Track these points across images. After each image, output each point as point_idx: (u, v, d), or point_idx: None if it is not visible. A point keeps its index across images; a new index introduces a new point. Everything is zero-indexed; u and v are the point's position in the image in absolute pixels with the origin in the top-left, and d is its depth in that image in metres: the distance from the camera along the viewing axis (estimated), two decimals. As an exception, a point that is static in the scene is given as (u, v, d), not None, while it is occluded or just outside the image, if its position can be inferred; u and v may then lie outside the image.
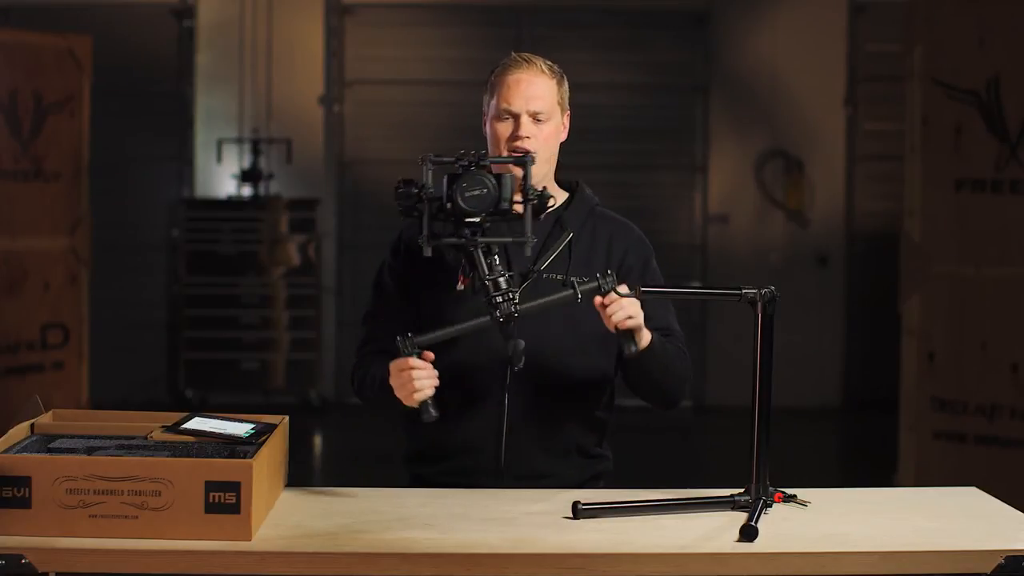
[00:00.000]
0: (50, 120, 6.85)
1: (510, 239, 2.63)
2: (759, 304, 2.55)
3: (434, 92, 9.38)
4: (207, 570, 2.23)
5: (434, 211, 2.59)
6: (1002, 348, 5.72)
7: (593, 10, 9.62)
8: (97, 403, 7.07)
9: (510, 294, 2.54)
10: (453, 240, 2.57)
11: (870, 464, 7.64)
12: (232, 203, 9.14)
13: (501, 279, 2.55)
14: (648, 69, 9.60)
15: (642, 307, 2.63)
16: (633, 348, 2.60)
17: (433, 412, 2.58)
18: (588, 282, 2.57)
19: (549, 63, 2.84)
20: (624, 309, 2.57)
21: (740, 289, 2.57)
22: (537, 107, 2.78)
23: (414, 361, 2.58)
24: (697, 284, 9.12)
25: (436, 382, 2.60)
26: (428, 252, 2.58)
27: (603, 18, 9.61)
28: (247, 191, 9.16)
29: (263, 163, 9.21)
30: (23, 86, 6.73)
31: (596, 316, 2.72)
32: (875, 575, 2.29)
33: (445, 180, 2.59)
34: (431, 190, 2.57)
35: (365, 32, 9.60)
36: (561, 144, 2.88)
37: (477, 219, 2.55)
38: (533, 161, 2.64)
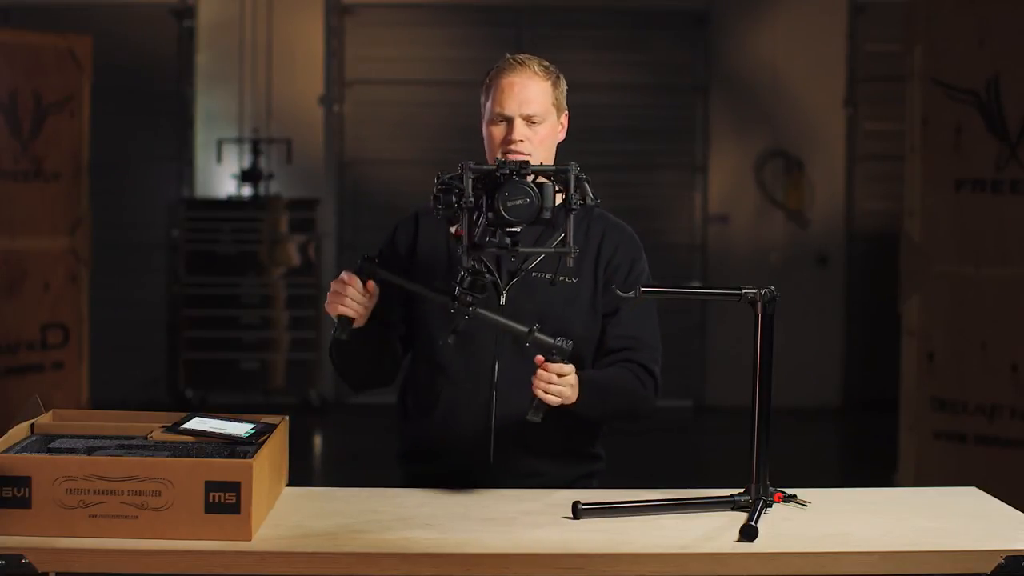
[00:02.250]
0: (50, 120, 6.85)
1: (552, 250, 2.64)
2: (759, 304, 2.55)
3: (434, 92, 9.38)
4: (207, 570, 2.23)
5: (473, 218, 2.55)
6: (1002, 348, 5.72)
7: (593, 10, 9.62)
8: (97, 403, 7.07)
9: (471, 297, 2.56)
10: (495, 250, 2.54)
11: (870, 464, 7.63)
12: (232, 203, 9.14)
13: (478, 280, 2.57)
14: (648, 69, 9.60)
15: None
16: (537, 415, 2.61)
17: (344, 334, 2.66)
18: (547, 338, 2.60)
19: (544, 64, 2.83)
20: (553, 385, 2.60)
21: (740, 289, 2.57)
22: (531, 110, 2.77)
23: (355, 282, 2.65)
24: (697, 284, 9.12)
25: (361, 310, 2.66)
26: (468, 263, 2.56)
27: (603, 18, 9.60)
28: (247, 191, 9.16)
29: (263, 163, 9.20)
30: (23, 86, 6.72)
31: (587, 316, 2.73)
32: (875, 575, 2.29)
33: (484, 188, 2.54)
34: (471, 199, 2.53)
35: (365, 32, 9.60)
36: (561, 144, 2.87)
37: (518, 228, 2.53)
38: (577, 168, 2.59)
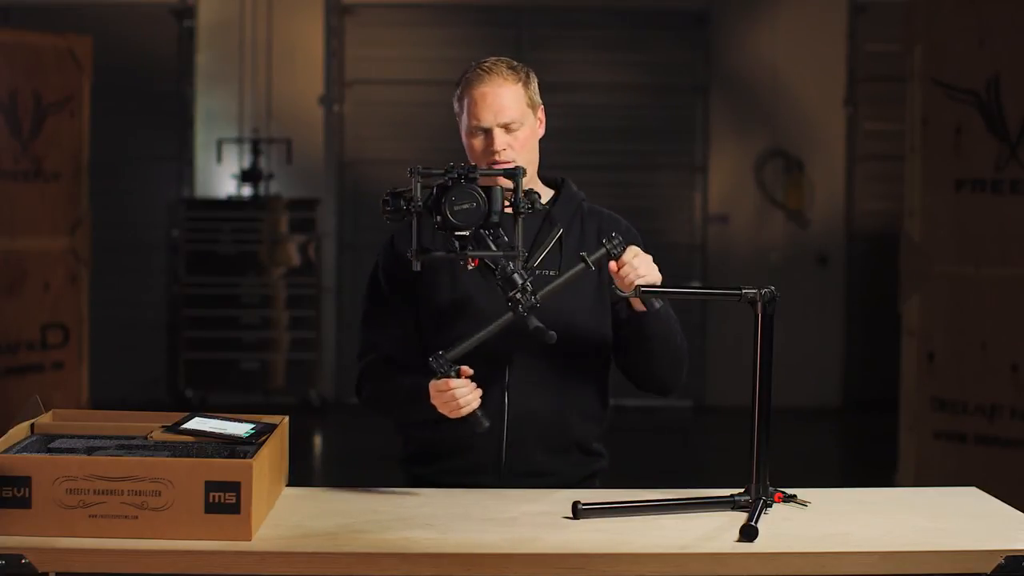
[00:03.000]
0: (50, 120, 6.85)
1: (500, 253, 2.61)
2: (759, 304, 2.55)
3: (434, 92, 9.37)
4: (207, 570, 2.23)
5: (421, 223, 2.59)
6: (1002, 348, 5.72)
7: (593, 10, 9.62)
8: (97, 403, 7.07)
9: (527, 287, 2.55)
10: (442, 255, 2.59)
11: (870, 464, 7.64)
12: (232, 203, 9.14)
13: (515, 275, 2.55)
14: (648, 69, 9.60)
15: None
16: (657, 302, 2.63)
17: (485, 422, 2.62)
18: (597, 251, 2.59)
19: (512, 65, 2.81)
20: (637, 269, 2.60)
21: (740, 289, 2.57)
22: (507, 118, 2.76)
23: (454, 382, 2.62)
24: (697, 284, 9.12)
25: (479, 393, 2.64)
26: (417, 267, 2.59)
27: (603, 18, 9.60)
28: (247, 191, 9.16)
29: (263, 163, 9.21)
30: (23, 86, 6.72)
31: (593, 309, 2.73)
32: (875, 575, 2.29)
33: (434, 191, 2.58)
34: (419, 204, 2.56)
35: (365, 32, 9.60)
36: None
37: (466, 232, 2.55)
38: (524, 173, 2.62)
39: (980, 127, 5.77)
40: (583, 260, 2.58)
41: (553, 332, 2.56)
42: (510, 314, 2.56)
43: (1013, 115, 5.69)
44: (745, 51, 9.49)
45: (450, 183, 2.55)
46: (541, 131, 2.86)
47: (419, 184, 2.57)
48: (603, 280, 2.82)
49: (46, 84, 6.81)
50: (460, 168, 2.56)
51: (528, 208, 2.59)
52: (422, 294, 2.81)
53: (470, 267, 2.64)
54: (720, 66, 9.54)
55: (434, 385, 2.64)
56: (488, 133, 2.76)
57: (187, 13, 9.44)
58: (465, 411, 2.62)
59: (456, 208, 2.54)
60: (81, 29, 7.39)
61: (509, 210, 2.61)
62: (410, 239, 2.61)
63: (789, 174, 9.54)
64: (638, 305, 2.68)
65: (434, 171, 2.58)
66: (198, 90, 9.41)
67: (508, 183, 2.62)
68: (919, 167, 5.99)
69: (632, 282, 2.59)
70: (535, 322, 2.56)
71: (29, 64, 6.77)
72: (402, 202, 2.57)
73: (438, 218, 2.55)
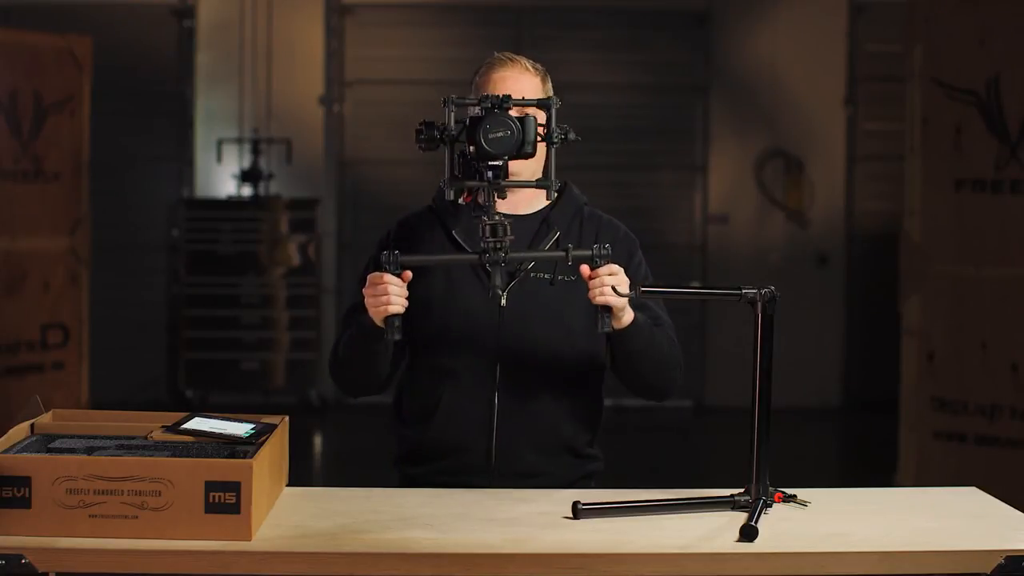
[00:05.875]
0: (50, 120, 6.85)
1: (534, 183, 2.61)
2: (759, 304, 2.55)
3: (434, 92, 9.31)
4: (207, 570, 2.22)
5: (456, 154, 2.54)
6: (1002, 348, 5.72)
7: (593, 10, 9.62)
8: (97, 403, 7.07)
9: (501, 242, 2.51)
10: (476, 184, 2.52)
11: (870, 464, 7.64)
12: (232, 203, 9.14)
13: (500, 227, 2.51)
14: (648, 69, 9.60)
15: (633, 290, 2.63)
16: (606, 326, 2.61)
17: (397, 334, 2.60)
18: (584, 251, 2.59)
19: (533, 62, 2.84)
20: (606, 285, 2.58)
21: (740, 289, 2.57)
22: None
23: (389, 277, 2.59)
24: (697, 284, 9.12)
25: (406, 303, 2.61)
26: (451, 196, 2.55)
27: (603, 18, 9.60)
28: (247, 191, 9.16)
29: (263, 163, 9.21)
30: (23, 86, 6.72)
31: (585, 311, 2.73)
32: (875, 575, 2.29)
33: (467, 122, 2.54)
34: (453, 131, 2.52)
35: (365, 32, 9.60)
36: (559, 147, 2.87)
37: (500, 162, 2.50)
38: (559, 103, 2.59)
39: (980, 127, 5.77)
40: (566, 250, 2.58)
41: (501, 294, 2.59)
42: (476, 256, 2.54)
43: (1013, 115, 5.69)
44: (745, 51, 9.49)
45: (483, 113, 2.52)
46: None
47: (452, 113, 2.53)
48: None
49: (46, 84, 6.81)
50: (494, 97, 2.54)
51: (561, 138, 2.55)
52: (413, 288, 2.81)
53: (462, 201, 2.60)
54: (720, 66, 9.54)
55: (372, 276, 2.62)
56: None
57: (187, 13, 9.44)
58: (389, 309, 2.58)
59: (491, 136, 2.49)
60: (81, 29, 7.39)
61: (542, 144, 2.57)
62: (414, 222, 2.58)
63: (789, 174, 9.54)
64: (616, 324, 2.66)
65: (468, 100, 2.56)
66: (198, 90, 9.41)
67: (542, 115, 2.59)
68: (919, 167, 5.99)
69: (596, 295, 2.58)
70: (497, 280, 2.56)
71: (29, 64, 6.77)
72: (436, 131, 2.54)
73: (471, 148, 2.50)
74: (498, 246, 2.51)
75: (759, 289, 2.55)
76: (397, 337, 2.61)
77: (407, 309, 2.72)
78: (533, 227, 2.83)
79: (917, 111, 6.00)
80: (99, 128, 7.39)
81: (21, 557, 2.20)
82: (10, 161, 6.66)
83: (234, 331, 8.99)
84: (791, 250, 9.55)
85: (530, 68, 2.82)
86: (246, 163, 9.22)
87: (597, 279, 2.58)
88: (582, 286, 2.78)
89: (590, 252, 2.58)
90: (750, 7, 9.48)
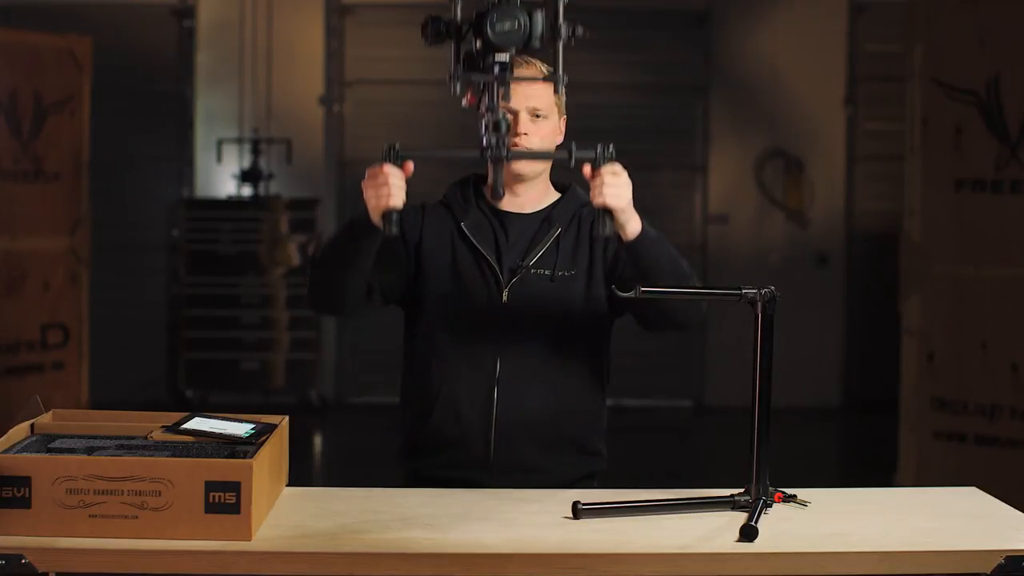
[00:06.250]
0: (50, 120, 6.85)
1: (540, 78, 2.60)
2: (759, 304, 2.55)
3: (434, 92, 9.32)
4: (207, 570, 2.22)
5: (460, 47, 2.46)
6: (1002, 348, 5.72)
7: (593, 10, 9.60)
8: (97, 403, 7.07)
9: (502, 139, 2.44)
10: (481, 76, 2.44)
11: (870, 464, 7.64)
12: (232, 203, 9.14)
13: (502, 122, 2.45)
14: (648, 69, 9.60)
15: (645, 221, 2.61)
16: (607, 229, 2.54)
17: (395, 229, 2.55)
18: (587, 151, 2.53)
19: (548, 66, 2.85)
20: (609, 186, 2.54)
21: (740, 289, 2.57)
22: (536, 104, 2.79)
23: (390, 167, 2.56)
24: (697, 284, 9.11)
25: (404, 197, 2.57)
26: (455, 90, 2.46)
27: (603, 18, 9.59)
28: (247, 191, 9.16)
29: (263, 163, 9.21)
30: (23, 86, 6.72)
31: (589, 303, 2.73)
32: (875, 575, 2.29)
33: (475, 15, 2.44)
34: (459, 22, 2.44)
35: (365, 32, 9.60)
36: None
37: (507, 55, 2.42)
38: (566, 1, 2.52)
39: (980, 127, 5.77)
40: (569, 151, 2.53)
41: (501, 193, 2.54)
42: (477, 153, 2.48)
43: (1013, 115, 5.69)
44: (745, 51, 9.49)
45: (490, 5, 2.42)
46: (560, 138, 2.87)
47: (459, 4, 2.45)
48: (594, 275, 2.83)
49: (46, 84, 6.81)
50: None
51: (571, 35, 2.49)
52: (421, 277, 2.82)
53: (465, 104, 2.55)
54: (720, 66, 9.54)
55: (371, 169, 2.59)
56: (515, 116, 2.76)
57: (187, 13, 9.44)
58: (389, 201, 2.55)
59: (498, 28, 2.40)
60: (81, 29, 7.39)
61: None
62: (423, 222, 2.59)
63: (789, 174, 9.54)
64: (624, 235, 2.61)
65: None
66: (198, 90, 9.41)
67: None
68: (919, 167, 5.99)
69: (596, 195, 2.53)
70: (499, 181, 2.50)
71: (29, 64, 6.77)
72: (442, 25, 2.48)
73: (478, 41, 2.42)
74: (499, 142, 2.44)
75: (759, 289, 2.56)
76: (395, 231, 2.55)
77: (411, 300, 2.73)
78: (534, 225, 2.85)
79: (917, 111, 6.00)
80: (99, 128, 7.39)
81: (21, 557, 2.20)
82: (10, 161, 6.66)
83: (234, 331, 8.99)
84: (791, 250, 9.55)
85: (545, 71, 2.80)
86: (246, 163, 9.22)
87: (598, 178, 2.54)
88: (581, 281, 2.79)
89: (594, 153, 2.53)
90: (750, 7, 9.48)
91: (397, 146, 2.54)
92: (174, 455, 2.42)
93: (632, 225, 2.62)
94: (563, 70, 2.46)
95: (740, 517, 2.45)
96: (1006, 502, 2.66)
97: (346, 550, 2.26)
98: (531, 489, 2.71)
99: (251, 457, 2.37)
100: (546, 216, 2.86)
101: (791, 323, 8.74)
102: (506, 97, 2.43)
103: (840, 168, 9.58)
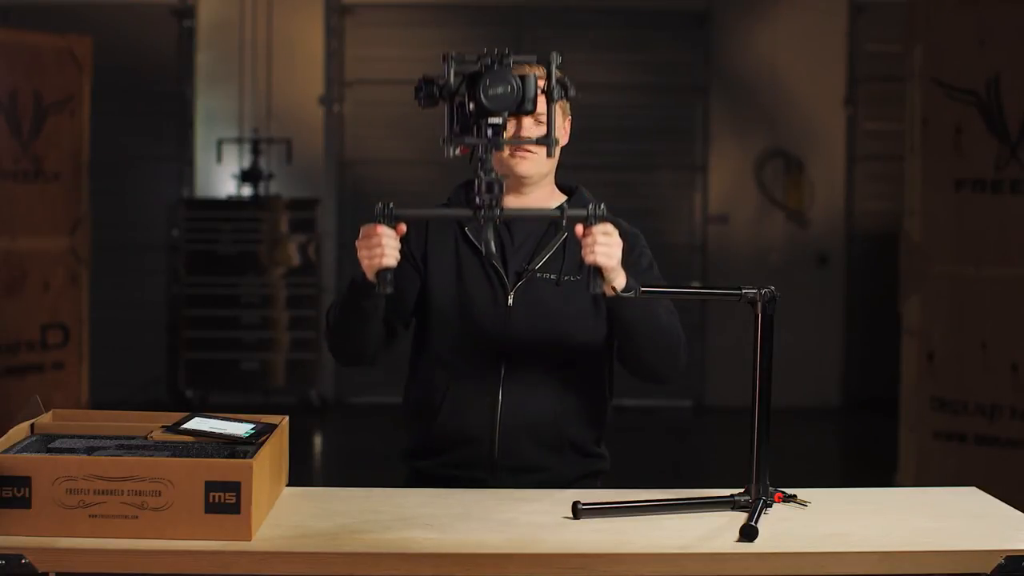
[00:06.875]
0: (50, 120, 6.85)
1: (534, 140, 2.58)
2: (759, 304, 2.55)
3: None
4: (207, 570, 2.22)
5: (454, 109, 2.50)
6: (1002, 348, 5.72)
7: (593, 10, 9.61)
8: (97, 403, 7.07)
9: (495, 200, 2.45)
10: (474, 140, 2.46)
11: (870, 464, 7.64)
12: (232, 203, 9.14)
13: (495, 184, 2.45)
14: (648, 69, 9.60)
15: (632, 279, 2.61)
16: (597, 287, 2.55)
17: (389, 288, 2.56)
18: (579, 210, 2.55)
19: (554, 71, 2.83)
20: (601, 245, 2.54)
21: (740, 289, 2.57)
22: (541, 107, 2.78)
23: (383, 228, 2.58)
24: (697, 284, 9.13)
25: (399, 256, 2.58)
26: (450, 153, 2.49)
27: (603, 18, 9.60)
28: (247, 191, 9.16)
29: (263, 163, 9.21)
30: (23, 86, 6.72)
31: (590, 310, 2.72)
32: (875, 575, 2.29)
33: (466, 77, 2.49)
34: (452, 88, 2.47)
35: (365, 32, 9.60)
36: (562, 147, 2.88)
37: (499, 119, 2.45)
38: (559, 60, 2.52)
39: (980, 127, 5.77)
40: (561, 210, 2.55)
41: (494, 253, 2.59)
42: (470, 212, 2.48)
43: (1013, 115, 5.69)
44: (745, 51, 9.49)
45: (483, 69, 2.47)
46: (565, 140, 2.86)
47: (452, 69, 2.49)
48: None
49: (46, 84, 6.81)
50: (494, 54, 2.49)
51: (562, 95, 2.49)
52: (427, 281, 2.82)
53: (457, 152, 2.55)
54: (720, 66, 9.54)
55: (365, 228, 2.61)
56: (519, 119, 2.76)
57: (187, 13, 9.44)
58: (383, 262, 2.56)
59: (491, 92, 2.44)
60: (81, 29, 7.39)
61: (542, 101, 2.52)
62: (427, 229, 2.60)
63: (789, 174, 9.54)
64: (609, 291, 2.62)
65: (467, 57, 2.51)
66: (198, 90, 9.41)
67: (542, 72, 2.56)
68: (919, 167, 5.99)
69: (587, 254, 2.54)
70: (490, 235, 2.50)
71: (29, 64, 6.77)
72: (435, 88, 2.51)
73: (471, 104, 2.45)
74: (493, 203, 2.45)
75: (759, 289, 2.55)
76: (389, 291, 2.57)
77: (417, 304, 2.73)
78: (541, 228, 2.85)
79: (917, 111, 6.00)
80: (99, 128, 7.39)
81: (21, 557, 2.20)
82: (10, 161, 6.66)
83: (234, 331, 8.99)
84: (791, 250, 9.55)
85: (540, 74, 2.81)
86: (246, 163, 9.22)
87: (590, 237, 2.54)
88: (585, 287, 2.78)
89: (586, 212, 2.54)
90: (750, 7, 9.48)
91: (391, 205, 2.57)
92: (174, 455, 2.42)
93: (620, 281, 2.62)
94: (560, 82, 2.49)
95: (740, 517, 2.45)
96: (1006, 502, 2.66)
97: (346, 550, 2.26)
98: (531, 489, 2.72)
99: (251, 457, 2.37)
100: (553, 220, 2.85)
101: (791, 323, 8.75)
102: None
103: (840, 168, 9.58)
